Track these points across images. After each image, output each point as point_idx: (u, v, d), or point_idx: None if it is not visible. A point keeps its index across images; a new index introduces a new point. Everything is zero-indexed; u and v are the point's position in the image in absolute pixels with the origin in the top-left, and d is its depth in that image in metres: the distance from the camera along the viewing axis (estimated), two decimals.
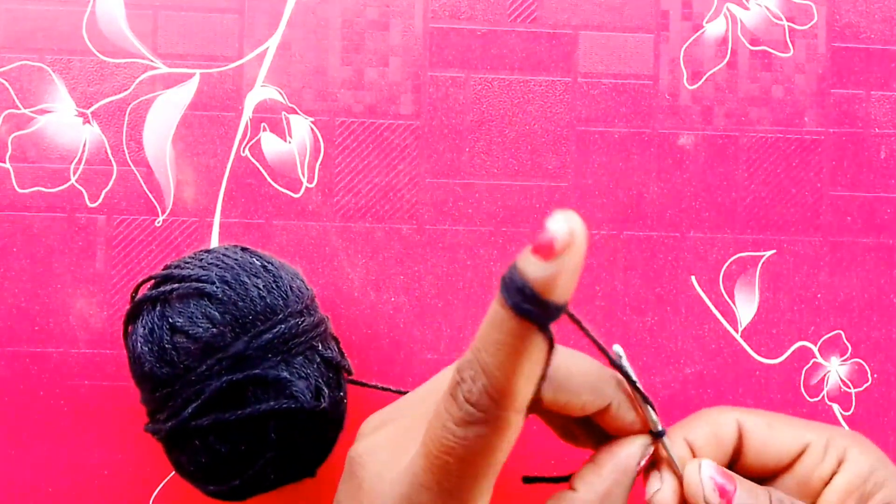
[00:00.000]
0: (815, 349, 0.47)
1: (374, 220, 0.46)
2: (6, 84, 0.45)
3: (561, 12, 0.47)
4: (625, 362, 0.34)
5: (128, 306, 0.40)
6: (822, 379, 0.47)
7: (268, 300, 0.38)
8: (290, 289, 0.39)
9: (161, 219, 0.45)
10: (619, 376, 0.34)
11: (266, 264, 0.40)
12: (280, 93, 0.46)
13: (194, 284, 0.38)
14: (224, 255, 0.40)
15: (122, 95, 0.45)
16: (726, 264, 0.47)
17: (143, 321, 0.38)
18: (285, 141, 0.46)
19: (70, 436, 0.44)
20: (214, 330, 0.37)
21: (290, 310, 0.38)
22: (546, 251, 0.26)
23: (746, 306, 0.47)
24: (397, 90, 0.46)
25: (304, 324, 0.38)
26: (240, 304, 0.38)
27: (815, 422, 0.37)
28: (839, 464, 0.35)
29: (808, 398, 0.47)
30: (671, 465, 0.35)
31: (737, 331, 0.47)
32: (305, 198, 0.46)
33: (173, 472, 0.44)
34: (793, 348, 0.47)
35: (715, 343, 0.47)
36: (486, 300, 0.40)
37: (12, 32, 0.45)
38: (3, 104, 0.45)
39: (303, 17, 0.46)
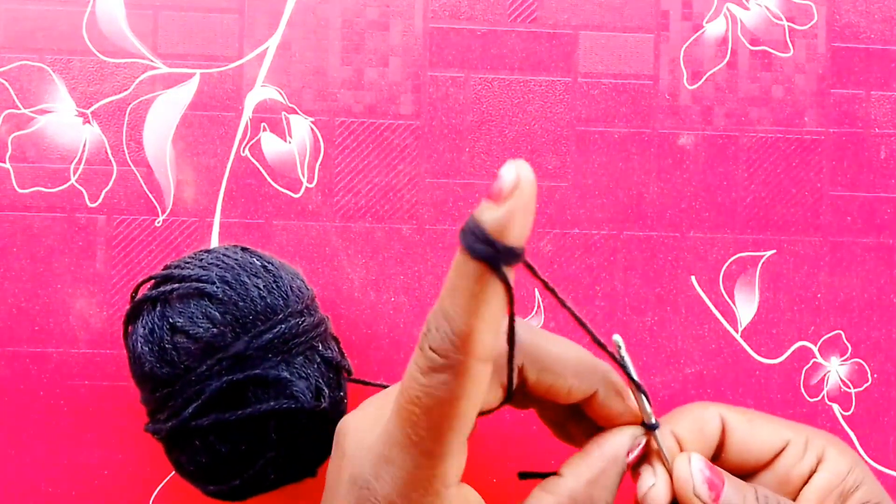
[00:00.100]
0: (815, 349, 0.47)
1: (374, 220, 0.46)
2: (6, 84, 0.45)
3: (561, 12, 0.47)
4: (623, 353, 0.34)
5: (128, 306, 0.40)
6: (822, 379, 0.47)
7: (268, 300, 0.38)
8: (291, 289, 0.39)
9: (161, 219, 0.45)
10: (608, 366, 0.35)
11: (266, 264, 0.40)
12: (280, 93, 0.46)
13: (195, 284, 0.38)
14: (224, 255, 0.40)
15: (122, 95, 0.45)
16: (726, 264, 0.47)
17: (144, 321, 0.38)
18: (285, 141, 0.46)
19: (70, 436, 0.44)
20: (215, 330, 0.37)
21: (290, 310, 0.38)
22: (496, 196, 0.28)
23: (746, 306, 0.47)
24: (397, 90, 0.46)
25: (305, 324, 0.38)
26: (240, 304, 0.38)
27: (792, 421, 0.37)
28: (818, 462, 0.36)
29: (808, 398, 0.47)
30: (662, 459, 0.35)
31: (737, 331, 0.47)
32: (305, 198, 0.46)
33: (173, 472, 0.44)
34: (793, 348, 0.47)
35: (715, 343, 0.47)
36: None
37: (12, 32, 0.45)
38: (3, 104, 0.45)
39: (303, 17, 0.46)
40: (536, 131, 0.47)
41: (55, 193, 0.45)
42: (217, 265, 0.39)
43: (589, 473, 0.34)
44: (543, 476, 0.37)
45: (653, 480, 0.34)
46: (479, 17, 0.46)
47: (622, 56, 0.47)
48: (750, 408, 0.46)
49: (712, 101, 0.47)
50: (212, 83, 0.45)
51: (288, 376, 0.37)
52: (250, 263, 0.39)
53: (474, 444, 0.41)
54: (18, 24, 0.45)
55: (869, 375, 0.47)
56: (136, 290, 0.41)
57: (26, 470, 0.44)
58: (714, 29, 0.47)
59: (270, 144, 0.46)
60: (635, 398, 0.35)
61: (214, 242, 0.45)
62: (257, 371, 0.37)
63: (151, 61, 0.45)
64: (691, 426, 0.36)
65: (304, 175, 0.46)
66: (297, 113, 0.46)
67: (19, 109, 0.45)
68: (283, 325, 0.38)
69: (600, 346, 0.34)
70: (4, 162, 0.45)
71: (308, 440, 0.38)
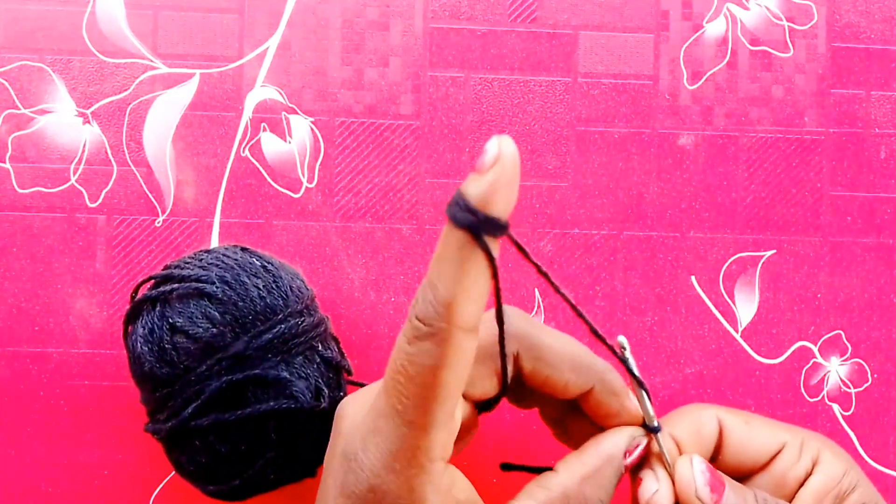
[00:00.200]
0: (815, 349, 0.47)
1: (374, 220, 0.46)
2: (6, 84, 0.45)
3: (561, 12, 0.47)
4: (628, 354, 0.34)
5: (128, 306, 0.40)
6: (822, 379, 0.47)
7: (268, 300, 0.38)
8: (290, 289, 0.39)
9: (161, 219, 0.45)
10: (608, 365, 0.35)
11: (266, 264, 0.40)
12: (280, 93, 0.46)
13: (194, 284, 0.38)
14: (224, 255, 0.40)
15: (122, 95, 0.45)
16: (726, 264, 0.47)
17: (143, 321, 0.38)
18: (285, 141, 0.46)
19: (70, 436, 0.44)
20: (214, 330, 0.37)
21: (289, 310, 0.38)
22: (480, 169, 0.29)
23: (746, 306, 0.47)
24: (397, 90, 0.46)
25: (304, 324, 0.38)
26: (240, 304, 0.38)
27: (787, 423, 0.38)
28: (813, 465, 0.36)
29: (808, 398, 0.47)
30: (663, 462, 0.35)
31: (737, 331, 0.47)
32: (305, 198, 0.46)
33: (173, 472, 0.44)
34: (793, 348, 0.47)
35: (715, 343, 0.47)
36: None
37: (12, 32, 0.45)
38: (3, 104, 0.45)
39: (303, 17, 0.46)
40: (536, 131, 0.47)
41: (55, 193, 0.45)
42: (217, 265, 0.39)
43: (583, 470, 0.34)
44: (528, 470, 0.37)
45: (656, 486, 0.34)
46: (479, 17, 0.46)
47: (622, 56, 0.47)
48: (750, 408, 0.46)
49: (712, 101, 0.47)
50: (212, 83, 0.45)
51: (287, 376, 0.37)
52: (250, 263, 0.39)
53: (475, 444, 0.41)
54: (18, 24, 0.45)
55: (869, 375, 0.47)
56: (135, 291, 0.41)
57: (26, 470, 0.44)
58: (714, 29, 0.47)
59: (270, 144, 0.46)
60: (637, 399, 0.35)
61: (214, 242, 0.45)
62: (257, 371, 0.37)
63: (151, 61, 0.45)
64: (689, 428, 0.36)
65: (304, 175, 0.46)
66: (297, 113, 0.46)
67: (19, 109, 0.45)
68: (282, 326, 0.38)
69: (596, 336, 0.34)
70: (4, 162, 0.45)
71: (308, 440, 0.38)
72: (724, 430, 0.36)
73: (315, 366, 0.39)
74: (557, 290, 0.32)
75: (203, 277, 0.38)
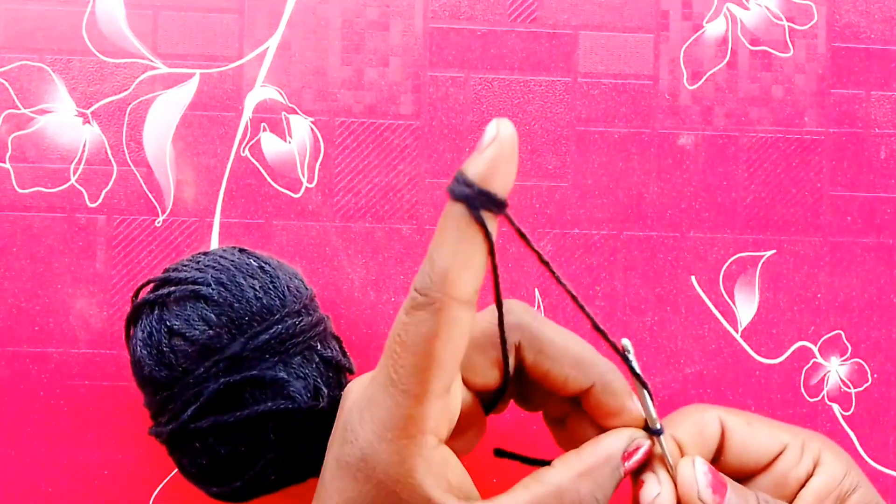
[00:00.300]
0: (815, 349, 0.47)
1: (374, 220, 0.46)
2: (6, 84, 0.45)
3: (561, 12, 0.47)
4: (631, 357, 0.34)
5: (129, 308, 0.40)
6: (822, 379, 0.47)
7: (264, 301, 0.38)
8: (288, 289, 0.39)
9: (161, 219, 0.45)
10: (610, 364, 0.35)
11: (263, 265, 0.39)
12: (280, 93, 0.46)
13: (190, 287, 0.38)
14: (221, 256, 0.40)
15: (122, 95, 0.45)
16: (726, 264, 0.47)
17: (142, 325, 0.38)
18: (285, 141, 0.46)
19: (70, 436, 0.44)
20: (211, 332, 0.37)
21: (287, 310, 0.38)
22: (479, 148, 0.30)
23: (746, 306, 0.47)
24: (397, 90, 0.46)
25: (302, 324, 0.38)
26: (235, 305, 0.38)
27: (788, 424, 0.38)
28: (815, 466, 0.36)
29: (808, 398, 0.47)
30: (665, 464, 0.35)
31: (737, 331, 0.47)
32: (305, 198, 0.46)
33: (173, 473, 0.44)
34: (793, 348, 0.47)
35: (715, 343, 0.47)
36: (484, 300, 0.40)
37: (12, 32, 0.45)
38: (3, 104, 0.45)
39: (303, 17, 0.46)
40: (536, 131, 0.47)
41: (55, 193, 0.45)
42: (213, 267, 0.39)
43: (580, 467, 0.33)
44: (523, 459, 0.37)
45: (658, 489, 0.34)
46: (479, 17, 0.46)
47: (622, 56, 0.47)
48: (750, 408, 0.46)
49: (712, 101, 0.47)
50: (212, 83, 0.45)
51: (285, 377, 0.37)
52: (246, 265, 0.39)
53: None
54: (18, 24, 0.45)
55: (869, 375, 0.47)
56: (136, 294, 0.41)
57: (26, 470, 0.44)
58: (714, 29, 0.47)
59: (270, 144, 0.46)
60: (640, 401, 0.35)
61: (214, 242, 0.45)
62: (254, 372, 0.37)
63: (151, 61, 0.45)
64: (692, 429, 0.36)
65: (304, 175, 0.46)
66: (297, 113, 0.46)
67: (19, 109, 0.45)
68: (279, 326, 0.38)
69: (597, 329, 0.34)
70: (4, 162, 0.45)
71: (307, 440, 0.38)
72: (726, 431, 0.36)
73: (314, 365, 0.38)
74: (559, 280, 0.33)
75: (199, 280, 0.38)
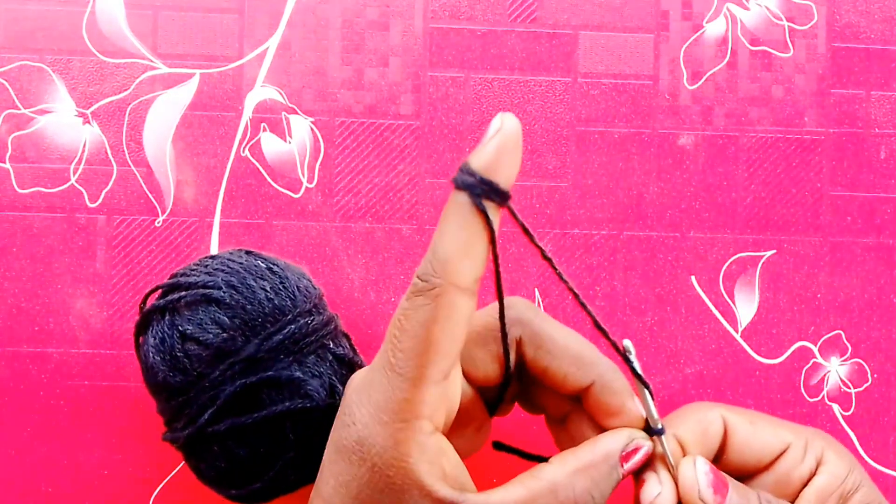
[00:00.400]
0: (815, 349, 0.47)
1: (374, 220, 0.46)
2: (6, 84, 0.45)
3: (561, 12, 0.47)
4: (633, 358, 0.34)
5: (132, 311, 0.40)
6: (822, 379, 0.47)
7: (276, 302, 0.38)
8: (298, 289, 0.39)
9: (161, 219, 0.45)
10: (611, 364, 0.35)
11: (272, 266, 0.40)
12: (280, 93, 0.46)
13: (201, 291, 0.38)
14: (229, 259, 0.40)
15: (122, 95, 0.45)
16: (726, 264, 0.47)
17: (154, 331, 0.39)
18: (285, 141, 0.46)
19: (70, 436, 0.44)
20: (225, 335, 0.37)
21: (298, 310, 0.38)
22: (483, 140, 0.31)
23: (746, 306, 0.47)
24: (397, 90, 0.46)
25: (314, 323, 0.39)
26: (248, 307, 0.38)
27: (790, 422, 0.37)
28: (817, 465, 0.36)
29: (808, 398, 0.47)
30: (667, 464, 0.35)
31: (737, 331, 0.47)
32: (305, 198, 0.46)
33: (173, 473, 0.44)
34: (793, 348, 0.47)
35: (715, 343, 0.47)
36: (484, 300, 0.40)
37: (12, 32, 0.45)
38: (3, 104, 0.45)
39: (303, 17, 0.46)
40: (536, 131, 0.47)
41: (55, 193, 0.45)
42: (222, 270, 0.39)
43: (576, 463, 0.33)
44: (521, 454, 0.37)
45: (659, 488, 0.34)
46: (479, 17, 0.46)
47: (622, 56, 0.47)
48: (750, 408, 0.46)
49: (712, 101, 0.47)
50: (212, 83, 0.45)
51: (301, 376, 0.37)
52: (255, 266, 0.39)
53: None
54: (18, 24, 0.45)
55: (869, 375, 0.47)
56: (144, 301, 0.41)
57: (26, 470, 0.44)
58: (714, 29, 0.47)
59: (270, 144, 0.46)
60: (641, 401, 0.35)
61: (214, 242, 0.45)
62: (270, 373, 0.37)
63: (151, 61, 0.45)
64: (694, 428, 0.35)
65: (304, 175, 0.46)
66: (297, 113, 0.46)
67: (19, 109, 0.45)
68: (292, 326, 0.38)
69: (597, 327, 0.34)
70: (4, 162, 0.45)
71: (325, 438, 0.38)
72: (729, 429, 0.36)
73: (328, 364, 0.39)
74: (561, 277, 0.33)
75: (210, 283, 0.38)
